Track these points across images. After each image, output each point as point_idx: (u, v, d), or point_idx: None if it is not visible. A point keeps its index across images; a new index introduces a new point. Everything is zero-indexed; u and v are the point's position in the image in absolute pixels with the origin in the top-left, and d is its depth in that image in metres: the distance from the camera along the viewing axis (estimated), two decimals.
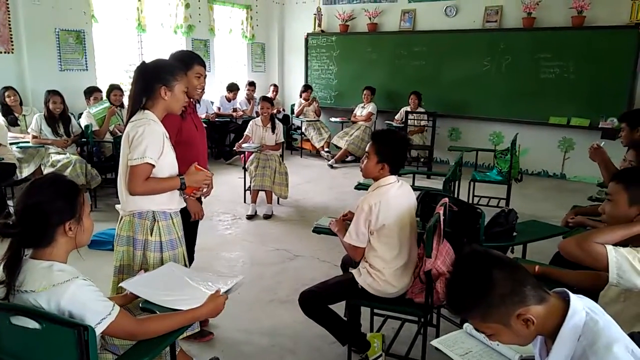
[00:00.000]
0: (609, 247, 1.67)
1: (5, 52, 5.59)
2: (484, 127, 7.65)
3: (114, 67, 7.00)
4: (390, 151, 2.41)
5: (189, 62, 2.57)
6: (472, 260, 1.25)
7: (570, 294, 1.23)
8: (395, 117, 7.80)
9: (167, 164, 2.14)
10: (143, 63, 2.19)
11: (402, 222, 2.40)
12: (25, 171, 5.07)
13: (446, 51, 7.61)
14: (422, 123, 7.46)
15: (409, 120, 7.29)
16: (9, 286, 1.40)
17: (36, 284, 1.39)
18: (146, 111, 2.12)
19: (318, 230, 2.73)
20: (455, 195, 4.29)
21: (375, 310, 2.82)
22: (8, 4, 5.53)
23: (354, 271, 2.49)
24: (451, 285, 1.27)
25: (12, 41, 5.62)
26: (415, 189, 3.70)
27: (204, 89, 2.68)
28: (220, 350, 2.74)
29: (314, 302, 2.48)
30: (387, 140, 2.46)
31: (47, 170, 4.87)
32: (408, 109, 7.51)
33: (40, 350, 1.37)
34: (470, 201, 5.30)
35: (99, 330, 1.41)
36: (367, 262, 2.43)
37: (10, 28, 5.58)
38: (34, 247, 1.48)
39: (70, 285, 1.40)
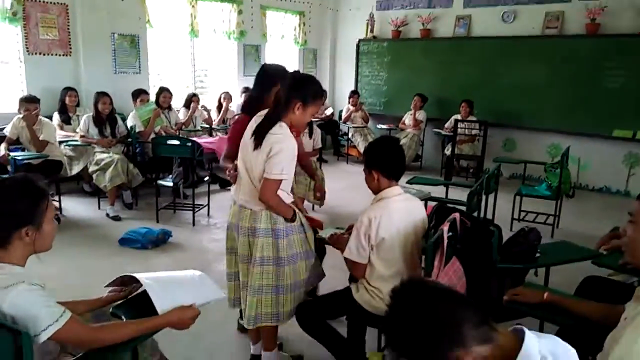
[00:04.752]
0: None
1: (63, 55, 5.93)
2: (541, 139, 7.18)
3: (166, 70, 7.24)
4: (375, 156, 2.27)
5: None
6: (403, 295, 1.09)
7: (527, 333, 1.05)
8: (445, 126, 7.52)
9: (290, 177, 2.29)
10: (296, 72, 2.36)
11: (405, 238, 2.24)
12: (75, 168, 5.34)
13: (502, 58, 7.24)
14: (473, 132, 7.13)
15: (458, 129, 6.99)
16: None
17: None
18: (283, 124, 2.20)
19: (322, 241, 2.62)
20: (489, 210, 4.02)
21: None
22: (68, 9, 5.86)
23: (352, 286, 2.36)
24: (384, 324, 1.13)
25: (70, 45, 5.96)
26: (432, 199, 3.51)
27: None
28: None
29: (311, 316, 2.38)
30: (370, 147, 2.34)
31: (92, 168, 5.10)
32: (458, 117, 7.21)
33: None
34: (516, 216, 4.98)
35: (44, 337, 1.37)
36: (365, 278, 2.29)
37: (69, 32, 5.92)
38: None
39: (13, 290, 1.37)
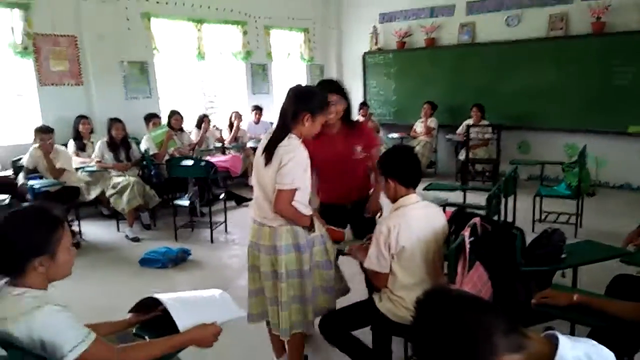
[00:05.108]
0: None
1: (75, 85, 6.03)
2: (556, 139, 7.08)
3: (175, 93, 7.32)
4: (392, 164, 2.26)
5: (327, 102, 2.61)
6: (428, 305, 1.06)
7: (561, 338, 1.01)
8: (457, 131, 7.47)
9: (305, 187, 2.32)
10: (298, 86, 2.35)
11: (425, 245, 2.20)
12: (93, 193, 5.39)
13: (509, 62, 7.18)
14: (487, 136, 7.07)
15: (471, 134, 6.93)
16: None
17: (6, 311, 1.39)
18: (292, 136, 2.25)
19: (342, 253, 2.59)
20: (509, 213, 3.96)
21: None
22: (77, 41, 5.98)
23: (375, 296, 2.33)
24: (410, 334, 1.09)
25: (81, 74, 6.06)
26: (449, 205, 3.46)
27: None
28: None
29: (334, 327, 2.35)
30: (386, 156, 2.33)
31: (109, 192, 5.14)
32: (470, 122, 7.16)
33: None
34: (537, 217, 4.89)
35: (71, 358, 1.38)
36: (387, 288, 2.26)
37: (79, 62, 6.02)
38: (8, 276, 1.48)
39: (40, 313, 1.37)
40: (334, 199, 2.94)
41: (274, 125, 2.34)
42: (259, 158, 2.31)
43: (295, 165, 2.19)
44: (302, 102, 2.26)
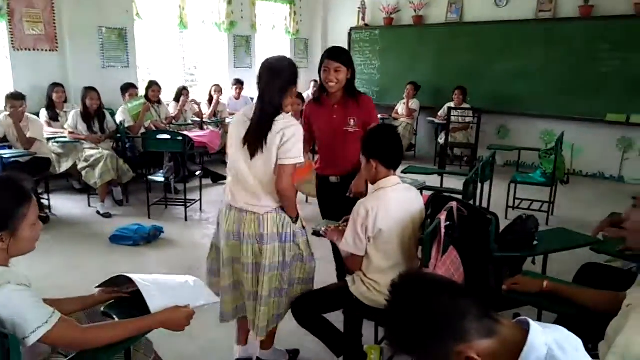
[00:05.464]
0: None
1: (50, 50, 5.82)
2: (534, 125, 7.16)
3: (155, 64, 7.14)
4: (374, 144, 2.21)
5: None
6: (402, 289, 1.06)
7: (532, 324, 1.01)
8: (438, 114, 7.48)
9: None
10: (277, 61, 2.16)
11: (403, 229, 2.20)
12: (64, 166, 5.25)
13: (495, 43, 7.19)
14: (467, 120, 7.10)
15: (452, 117, 6.95)
16: None
17: None
18: (282, 114, 2.12)
19: (317, 234, 2.57)
20: (484, 199, 4.00)
21: None
22: (53, 3, 5.74)
23: (348, 279, 2.32)
24: (383, 318, 1.09)
25: (56, 40, 5.84)
26: (427, 189, 3.47)
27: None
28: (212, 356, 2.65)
29: (307, 310, 2.34)
30: (366, 136, 2.27)
31: (81, 165, 5.02)
32: (452, 105, 7.16)
33: None
34: (510, 204, 4.96)
35: (33, 339, 1.33)
36: (361, 271, 2.25)
37: (55, 27, 5.80)
38: None
39: None
40: (325, 171, 2.93)
41: (253, 109, 2.15)
42: (238, 146, 2.16)
43: (300, 138, 2.10)
44: (293, 75, 2.15)
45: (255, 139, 2.10)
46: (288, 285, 2.29)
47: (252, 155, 2.11)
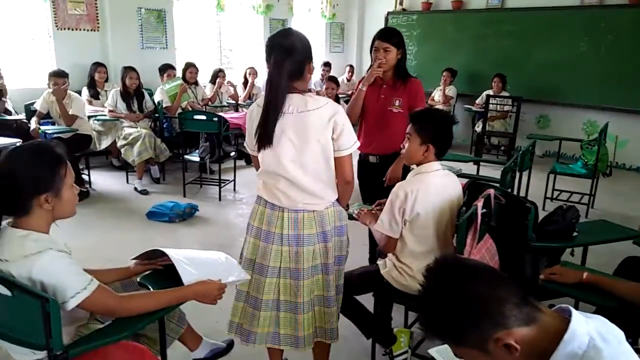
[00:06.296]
0: None
1: (91, 30, 5.94)
2: (576, 115, 6.91)
3: (192, 45, 7.20)
4: (434, 130, 2.14)
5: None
6: (440, 274, 1.03)
7: (574, 313, 0.98)
8: (476, 102, 7.30)
9: None
10: (291, 35, 1.83)
11: (440, 215, 2.15)
12: (104, 143, 5.39)
13: (538, 31, 6.93)
14: (506, 108, 6.91)
15: (490, 105, 6.77)
16: None
17: (9, 253, 1.38)
18: (311, 94, 1.86)
19: (350, 217, 2.55)
20: (522, 188, 3.89)
21: None
22: None
23: (380, 262, 2.30)
24: (418, 303, 1.07)
25: (97, 20, 5.96)
26: (463, 176, 3.40)
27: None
28: None
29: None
30: (430, 118, 2.19)
31: (120, 143, 5.14)
32: (490, 92, 6.98)
33: (13, 316, 1.37)
34: (549, 195, 4.82)
35: (72, 304, 1.38)
36: (394, 255, 2.23)
37: (96, 7, 5.92)
38: (12, 216, 1.46)
39: (42, 257, 1.37)
40: (366, 149, 2.91)
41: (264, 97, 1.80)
42: (283, 142, 1.83)
43: (349, 125, 1.88)
44: (309, 50, 1.88)
45: (301, 134, 1.83)
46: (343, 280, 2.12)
47: (302, 150, 1.83)
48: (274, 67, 1.80)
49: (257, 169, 2.04)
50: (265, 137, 1.82)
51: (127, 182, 5.28)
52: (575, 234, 2.40)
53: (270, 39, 1.87)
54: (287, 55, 1.79)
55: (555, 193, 4.93)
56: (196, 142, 5.17)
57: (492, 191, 2.24)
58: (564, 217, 2.36)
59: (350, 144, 1.88)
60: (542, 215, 2.52)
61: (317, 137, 1.81)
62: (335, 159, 1.88)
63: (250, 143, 1.97)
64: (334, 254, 2.00)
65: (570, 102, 6.83)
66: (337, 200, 2.01)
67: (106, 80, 5.78)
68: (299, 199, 1.89)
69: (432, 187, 2.14)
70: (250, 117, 1.94)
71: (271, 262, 1.91)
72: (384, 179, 2.82)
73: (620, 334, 1.00)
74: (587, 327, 0.95)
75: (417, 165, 2.21)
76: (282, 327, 1.96)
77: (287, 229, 1.90)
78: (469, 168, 4.81)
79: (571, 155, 6.53)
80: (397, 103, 2.79)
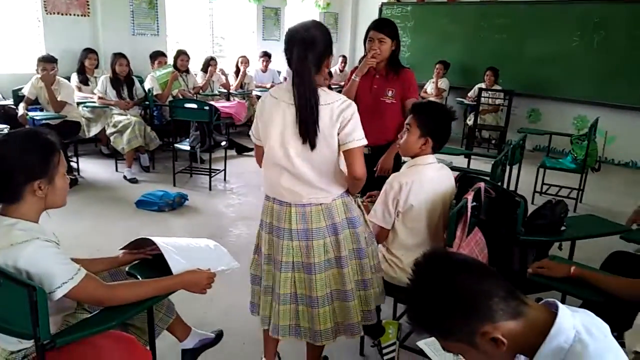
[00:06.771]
0: None
1: (81, 15, 5.85)
2: (567, 110, 6.95)
3: (184, 33, 7.13)
4: (435, 124, 2.15)
5: None
6: (428, 267, 1.04)
7: (561, 307, 0.98)
8: (468, 95, 7.32)
9: None
10: (301, 27, 1.77)
11: (433, 208, 2.17)
12: (93, 130, 5.33)
13: (531, 25, 6.94)
14: (497, 102, 6.93)
15: (482, 99, 6.79)
16: None
17: None
18: (323, 89, 1.80)
19: None
20: (512, 182, 3.92)
21: None
22: None
23: None
24: (406, 296, 1.07)
25: (88, 5, 5.87)
26: (454, 169, 3.42)
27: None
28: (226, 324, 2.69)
29: None
30: (431, 111, 2.20)
31: (109, 130, 5.09)
32: (482, 85, 7.00)
33: (0, 305, 1.35)
34: (538, 189, 4.85)
35: (59, 294, 1.37)
36: (385, 247, 2.24)
37: None
38: (2, 203, 1.44)
39: (28, 246, 1.35)
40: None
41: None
42: (289, 139, 1.79)
43: (358, 119, 1.82)
44: (329, 43, 1.82)
45: (311, 128, 1.76)
46: (371, 274, 2.02)
47: (313, 146, 1.77)
48: (298, 61, 1.74)
49: (258, 160, 2.00)
50: (308, 134, 1.76)
51: (116, 170, 5.24)
52: (563, 228, 2.43)
53: (291, 32, 1.80)
54: (310, 48, 1.74)
55: (545, 187, 4.96)
56: (187, 130, 5.14)
57: (482, 184, 2.26)
58: (552, 211, 2.38)
59: (358, 135, 1.80)
60: (531, 209, 2.54)
61: (325, 132, 1.77)
62: (344, 152, 1.82)
63: (256, 132, 1.94)
64: (350, 246, 1.94)
65: (561, 96, 6.87)
66: (347, 191, 1.95)
67: (96, 67, 5.71)
68: (304, 194, 1.85)
69: (426, 179, 2.15)
70: (262, 107, 1.90)
71: (283, 258, 1.89)
72: (374, 169, 2.82)
73: (606, 327, 1.01)
74: (573, 321, 0.96)
75: (413, 157, 2.22)
76: (302, 320, 1.95)
77: (295, 223, 1.87)
78: (460, 161, 4.83)
79: (561, 149, 6.58)
80: (390, 94, 2.81)
